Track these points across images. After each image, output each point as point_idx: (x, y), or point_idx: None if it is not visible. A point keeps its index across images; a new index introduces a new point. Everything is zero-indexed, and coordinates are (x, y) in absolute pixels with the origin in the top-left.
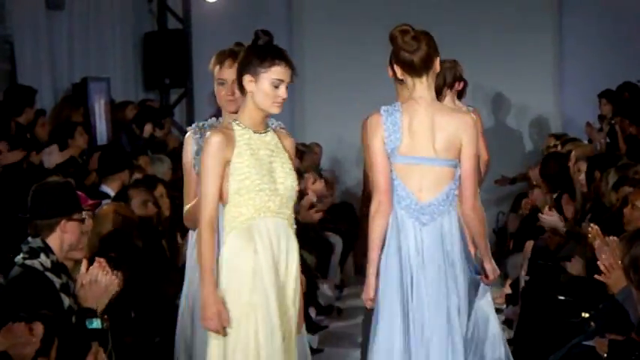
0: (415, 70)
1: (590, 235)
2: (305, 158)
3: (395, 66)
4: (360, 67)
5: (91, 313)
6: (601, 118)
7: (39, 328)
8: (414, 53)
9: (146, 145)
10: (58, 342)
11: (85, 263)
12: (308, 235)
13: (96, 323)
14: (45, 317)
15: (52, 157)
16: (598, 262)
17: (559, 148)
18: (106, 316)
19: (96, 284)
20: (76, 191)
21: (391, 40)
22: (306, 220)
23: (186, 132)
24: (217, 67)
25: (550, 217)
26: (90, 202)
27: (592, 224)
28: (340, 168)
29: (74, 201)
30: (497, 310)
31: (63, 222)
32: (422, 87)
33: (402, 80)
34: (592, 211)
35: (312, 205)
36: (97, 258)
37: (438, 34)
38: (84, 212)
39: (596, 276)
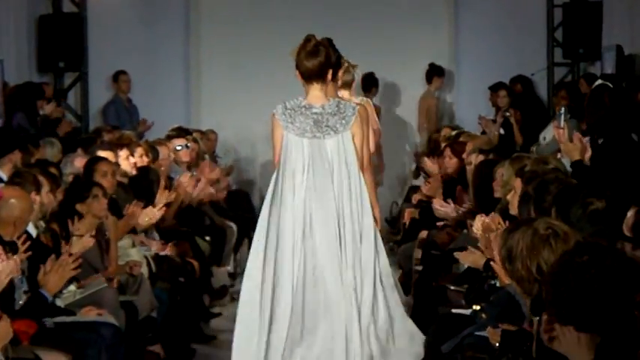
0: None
1: (474, 228)
2: (200, 145)
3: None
4: (257, 54)
5: None
6: (497, 109)
7: None
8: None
9: (44, 125)
10: None
11: None
12: (203, 221)
13: None
14: None
15: None
16: (487, 256)
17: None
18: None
19: None
20: None
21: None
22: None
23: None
24: None
25: (444, 208)
26: None
27: (481, 217)
28: (236, 155)
29: None
30: None
31: None
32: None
33: None
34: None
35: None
36: None
37: (334, 29)
38: None
39: (492, 263)
